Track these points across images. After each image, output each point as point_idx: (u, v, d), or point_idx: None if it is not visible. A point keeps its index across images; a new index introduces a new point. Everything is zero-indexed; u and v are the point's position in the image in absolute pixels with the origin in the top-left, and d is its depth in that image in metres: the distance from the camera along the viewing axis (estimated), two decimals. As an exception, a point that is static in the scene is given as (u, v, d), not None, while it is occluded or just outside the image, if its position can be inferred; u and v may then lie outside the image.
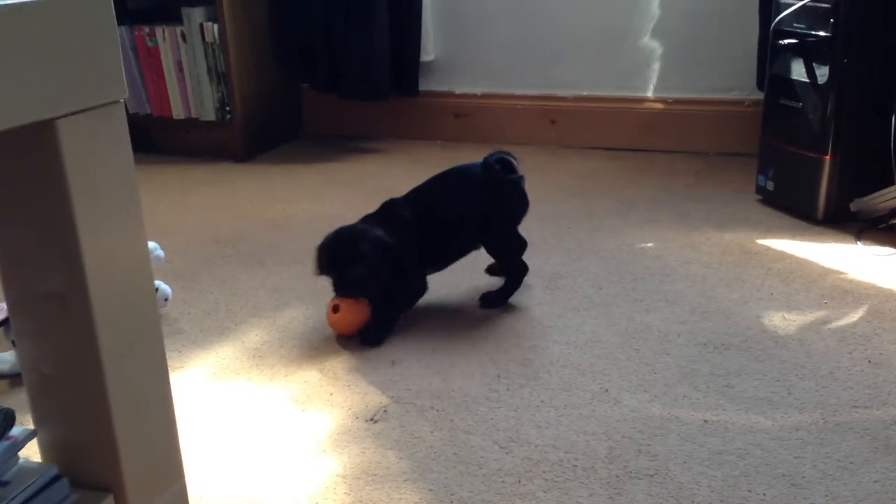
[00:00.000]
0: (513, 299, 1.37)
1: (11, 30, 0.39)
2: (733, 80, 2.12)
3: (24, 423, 0.67)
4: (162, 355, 0.50)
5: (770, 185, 1.75)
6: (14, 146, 0.44)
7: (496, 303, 1.36)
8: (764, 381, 1.11)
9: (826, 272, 1.43)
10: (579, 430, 1.01)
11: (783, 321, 1.27)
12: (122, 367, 0.47)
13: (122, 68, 0.46)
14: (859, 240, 1.56)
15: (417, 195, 1.39)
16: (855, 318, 1.26)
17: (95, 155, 0.44)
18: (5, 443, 0.64)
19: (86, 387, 0.46)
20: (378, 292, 1.27)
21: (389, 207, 1.35)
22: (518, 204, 1.38)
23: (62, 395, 0.48)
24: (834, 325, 1.25)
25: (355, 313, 1.26)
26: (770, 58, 1.72)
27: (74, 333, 0.45)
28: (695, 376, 1.12)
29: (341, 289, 1.25)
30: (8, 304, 0.53)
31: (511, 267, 1.39)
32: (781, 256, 1.51)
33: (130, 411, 0.48)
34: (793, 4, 1.61)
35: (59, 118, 0.41)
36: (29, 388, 0.50)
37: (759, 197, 1.79)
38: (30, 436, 0.58)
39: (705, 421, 1.02)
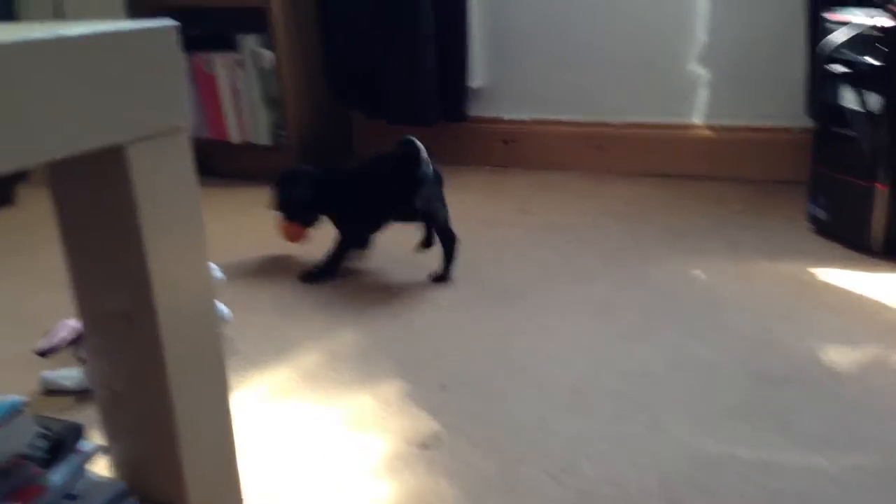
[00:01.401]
0: (561, 328, 1.38)
1: (86, 58, 0.42)
2: (782, 106, 2.11)
3: (91, 438, 0.69)
4: (223, 374, 0.52)
5: (822, 214, 1.73)
6: (85, 170, 0.46)
7: (445, 276, 1.58)
8: (822, 418, 1.09)
9: (882, 305, 1.41)
10: (631, 464, 1.01)
11: (840, 355, 1.25)
12: (186, 386, 0.49)
13: (187, 96, 0.48)
14: (916, 272, 1.54)
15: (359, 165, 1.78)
16: (913, 354, 1.24)
17: (162, 179, 0.46)
18: (75, 457, 0.66)
19: (152, 404, 0.48)
20: (299, 215, 1.70)
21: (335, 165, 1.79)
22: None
23: (131, 411, 0.50)
24: (893, 360, 1.23)
25: (291, 227, 1.71)
26: (820, 85, 1.70)
27: (142, 352, 0.47)
28: (749, 411, 1.11)
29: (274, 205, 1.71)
30: (82, 322, 0.55)
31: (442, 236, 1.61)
32: (836, 288, 1.49)
33: (194, 429, 0.49)
34: (842, 31, 1.60)
35: (128, 143, 0.44)
36: (100, 405, 0.53)
37: (810, 226, 1.77)
38: (98, 451, 0.60)
39: (761, 458, 1.01)
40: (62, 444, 0.61)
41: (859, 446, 1.02)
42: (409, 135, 1.59)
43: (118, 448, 0.57)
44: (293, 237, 1.73)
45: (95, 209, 0.47)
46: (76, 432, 0.65)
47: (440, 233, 1.61)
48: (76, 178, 0.48)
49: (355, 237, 1.68)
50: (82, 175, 0.47)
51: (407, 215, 1.61)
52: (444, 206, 1.60)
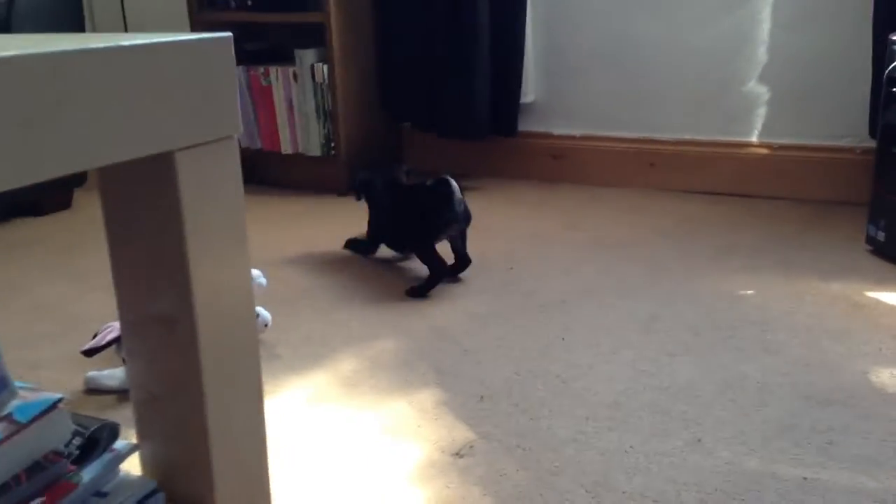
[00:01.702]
0: (604, 342, 1.36)
1: (142, 68, 0.43)
2: (844, 127, 2.05)
3: (128, 437, 0.70)
4: (258, 381, 0.52)
5: (881, 236, 1.67)
6: (135, 175, 0.48)
7: (420, 292, 1.60)
8: (869, 439, 1.05)
9: (941, 329, 1.35)
10: (669, 479, 0.99)
11: (891, 378, 1.20)
12: (221, 391, 0.49)
13: (238, 106, 0.49)
14: (980, 296, 1.47)
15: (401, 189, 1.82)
16: (973, 379, 1.19)
17: (209, 186, 0.47)
18: (108, 455, 0.67)
19: (187, 407, 0.49)
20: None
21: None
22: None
23: (165, 413, 0.51)
24: (949, 385, 1.18)
25: None
26: (883, 106, 1.66)
27: (180, 356, 0.48)
28: (795, 431, 1.08)
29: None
30: (121, 325, 0.57)
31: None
32: (892, 310, 1.43)
33: (226, 433, 0.50)
34: (909, 50, 1.56)
35: (178, 150, 0.45)
36: (135, 405, 0.53)
37: (869, 247, 1.72)
38: (132, 450, 0.61)
39: (805, 479, 0.98)
40: (97, 442, 0.63)
41: (910, 471, 0.98)
42: (447, 175, 1.65)
43: (151, 448, 0.58)
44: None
45: (142, 214, 0.48)
46: (112, 431, 0.67)
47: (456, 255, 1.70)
48: (125, 182, 0.49)
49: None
50: (131, 180, 0.48)
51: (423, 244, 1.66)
52: (463, 240, 1.69)
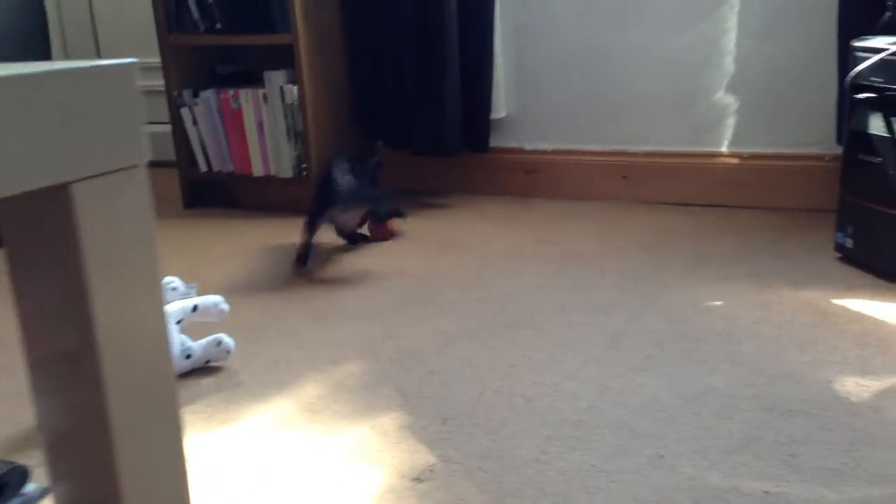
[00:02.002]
0: (571, 359, 1.35)
1: (35, 97, 0.42)
2: (812, 134, 2.06)
3: (41, 481, 0.68)
4: (175, 417, 0.51)
5: (849, 243, 1.68)
6: (30, 209, 0.46)
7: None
8: (832, 450, 1.05)
9: (907, 335, 1.35)
10: (630, 497, 0.97)
11: (857, 387, 1.20)
12: (131, 429, 0.48)
13: (145, 133, 0.48)
14: (946, 301, 1.47)
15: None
16: (937, 386, 1.19)
17: (112, 218, 0.46)
18: (17, 500, 0.66)
19: (96, 447, 0.47)
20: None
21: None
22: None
23: (75, 454, 0.50)
24: (913, 392, 1.17)
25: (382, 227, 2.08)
26: (847, 112, 1.66)
27: (85, 393, 0.47)
28: (758, 444, 1.07)
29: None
30: (27, 362, 0.55)
31: None
32: (858, 318, 1.43)
33: (140, 472, 0.49)
34: (870, 58, 1.57)
35: (74, 182, 0.44)
36: (46, 446, 0.52)
37: (838, 255, 1.72)
38: (42, 493, 0.60)
39: (766, 492, 0.97)
40: (5, 486, 0.61)
41: (869, 479, 0.97)
42: (336, 156, 1.90)
43: (62, 490, 0.56)
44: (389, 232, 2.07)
45: (41, 247, 0.47)
46: (21, 475, 0.65)
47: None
48: (23, 215, 0.48)
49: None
50: (29, 212, 0.47)
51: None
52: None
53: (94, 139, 0.44)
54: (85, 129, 0.44)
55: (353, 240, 2.05)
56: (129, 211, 0.47)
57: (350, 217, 1.95)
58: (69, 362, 0.47)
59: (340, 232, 2.04)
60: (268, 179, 2.38)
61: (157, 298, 0.49)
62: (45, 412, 0.51)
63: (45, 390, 0.50)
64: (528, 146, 2.39)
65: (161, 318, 0.50)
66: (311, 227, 1.86)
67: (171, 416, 0.51)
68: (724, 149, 2.18)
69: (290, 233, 2.18)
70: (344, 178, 1.82)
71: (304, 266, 1.86)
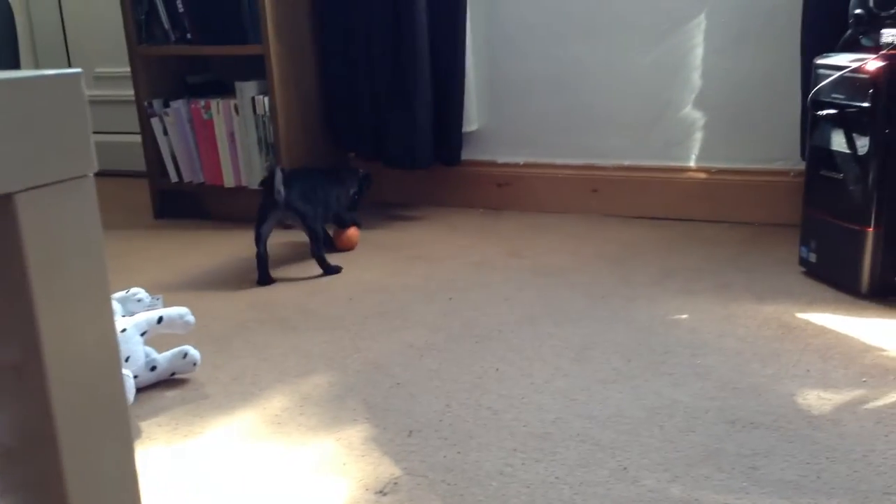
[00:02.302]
0: (538, 372, 1.36)
1: None
2: (778, 150, 2.09)
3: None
4: (126, 432, 0.51)
5: (813, 258, 1.70)
6: None
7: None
8: (793, 463, 1.06)
9: (867, 349, 1.37)
10: (593, 510, 0.98)
11: (818, 400, 1.21)
12: (79, 443, 0.47)
13: (91, 143, 0.48)
14: (906, 315, 1.50)
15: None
16: (895, 399, 1.20)
17: (58, 229, 0.45)
18: None
19: (43, 460, 0.47)
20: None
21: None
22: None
23: (22, 467, 0.49)
24: (872, 405, 1.19)
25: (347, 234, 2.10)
26: (810, 129, 1.69)
27: (31, 407, 0.46)
28: (720, 456, 1.08)
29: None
30: None
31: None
32: (821, 331, 1.45)
33: (88, 487, 0.48)
34: (831, 75, 1.60)
35: (17, 192, 0.43)
36: (-7, 459, 0.52)
37: (802, 269, 1.75)
38: None
39: (726, 504, 0.98)
40: None
41: (828, 492, 0.99)
42: (278, 167, 1.91)
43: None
44: (353, 240, 2.09)
45: None
46: None
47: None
48: None
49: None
50: None
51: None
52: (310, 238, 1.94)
53: (39, 149, 0.44)
54: (29, 138, 0.43)
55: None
56: (76, 222, 0.46)
57: (295, 225, 1.96)
58: (14, 376, 0.46)
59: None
60: (239, 190, 2.37)
61: (105, 311, 0.49)
62: (-8, 425, 0.50)
63: (-7, 403, 0.49)
64: (500, 159, 2.40)
65: (110, 331, 0.49)
66: (256, 239, 1.87)
67: (121, 429, 0.51)
68: (692, 163, 2.20)
69: (260, 244, 2.17)
70: (281, 187, 1.84)
71: (266, 280, 1.86)
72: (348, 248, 2.08)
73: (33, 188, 0.43)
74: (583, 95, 2.28)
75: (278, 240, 2.06)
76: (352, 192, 2.12)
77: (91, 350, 0.48)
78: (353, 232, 2.09)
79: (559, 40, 2.27)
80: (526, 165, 2.37)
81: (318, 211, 1.93)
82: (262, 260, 1.87)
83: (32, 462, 0.48)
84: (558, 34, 2.26)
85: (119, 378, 0.50)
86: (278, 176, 1.84)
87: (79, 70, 0.48)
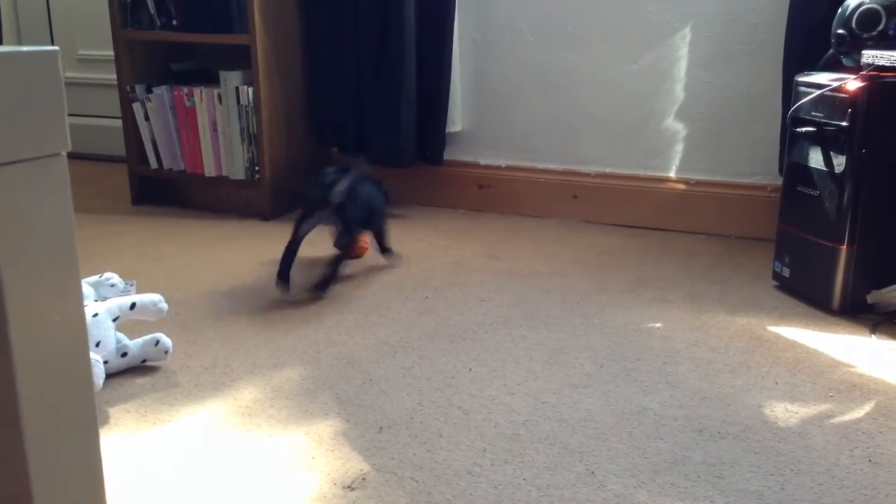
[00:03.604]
0: (511, 373, 1.36)
1: None
2: (756, 165, 2.12)
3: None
4: (92, 418, 0.50)
5: (786, 272, 1.72)
6: None
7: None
8: (758, 473, 1.07)
9: (836, 364, 1.39)
10: (559, 512, 0.98)
11: (785, 412, 1.23)
12: (44, 423, 0.47)
13: (66, 121, 0.47)
14: (874, 333, 1.52)
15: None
16: (860, 414, 1.22)
17: (30, 205, 0.45)
18: None
19: (6, 440, 0.46)
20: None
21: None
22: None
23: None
24: (837, 419, 1.21)
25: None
26: (788, 145, 1.71)
27: (-2, 385, 0.46)
28: (686, 464, 1.09)
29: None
30: None
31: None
32: (791, 345, 1.47)
33: (51, 470, 0.48)
34: (811, 93, 1.62)
35: (-11, 168, 0.43)
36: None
37: (775, 283, 1.77)
38: None
39: (691, 511, 0.99)
40: None
41: (791, 503, 1.00)
42: (358, 168, 1.83)
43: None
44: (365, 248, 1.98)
45: None
46: None
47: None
48: None
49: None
50: None
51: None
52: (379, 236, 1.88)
53: (12, 125, 0.44)
54: (3, 114, 0.43)
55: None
56: (47, 200, 0.46)
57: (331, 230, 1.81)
58: (-19, 352, 0.46)
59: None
60: (219, 180, 2.35)
61: (74, 291, 0.49)
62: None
63: (-42, 380, 0.49)
64: (483, 161, 2.40)
65: (79, 310, 0.49)
66: (294, 232, 1.73)
67: (87, 413, 0.51)
68: (671, 174, 2.22)
69: (239, 235, 2.16)
70: (344, 189, 1.72)
71: (285, 278, 1.71)
72: (360, 256, 1.96)
73: (4, 164, 0.43)
74: (567, 101, 2.29)
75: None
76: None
77: (58, 328, 0.47)
78: (366, 240, 1.97)
79: (546, 46, 2.27)
80: (508, 168, 2.38)
81: (359, 217, 1.81)
82: (291, 255, 1.73)
83: (-4, 443, 0.48)
84: (545, 40, 2.27)
85: (86, 357, 0.50)
86: (344, 181, 1.72)
87: (55, 48, 0.48)
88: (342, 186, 1.72)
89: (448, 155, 2.38)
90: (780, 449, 1.13)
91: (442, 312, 1.63)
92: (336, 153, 2.50)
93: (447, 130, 2.35)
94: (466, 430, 1.17)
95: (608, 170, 2.28)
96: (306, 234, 1.74)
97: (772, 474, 1.07)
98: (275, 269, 1.70)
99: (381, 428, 1.18)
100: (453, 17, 2.25)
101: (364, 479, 1.05)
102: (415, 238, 2.13)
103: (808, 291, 1.68)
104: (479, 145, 2.40)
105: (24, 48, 0.45)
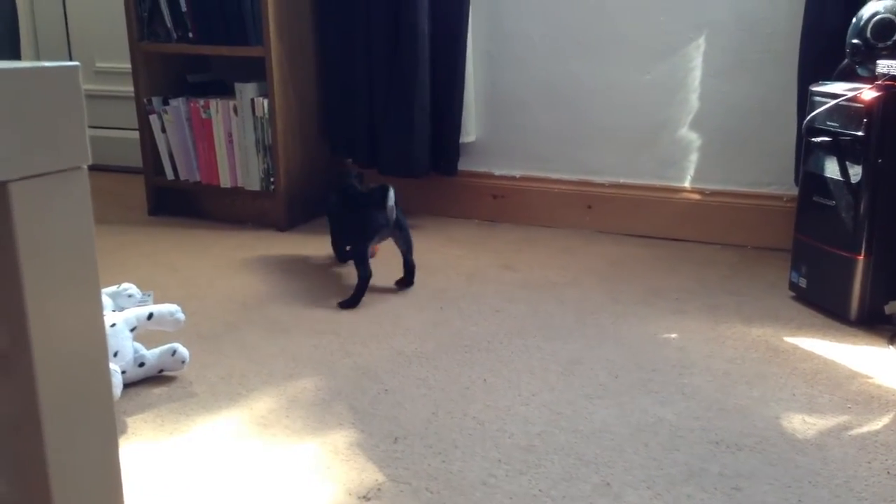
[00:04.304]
0: (526, 384, 1.36)
1: None
2: (772, 175, 2.11)
3: None
4: (111, 427, 0.51)
5: (803, 283, 1.71)
6: None
7: (350, 303, 1.72)
8: (775, 486, 1.06)
9: (854, 375, 1.38)
10: (575, 524, 0.98)
11: (802, 424, 1.22)
12: (63, 433, 0.48)
13: (86, 135, 0.48)
14: (892, 343, 1.51)
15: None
16: (879, 426, 1.21)
17: (50, 219, 0.46)
18: None
19: (26, 448, 0.47)
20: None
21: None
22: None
23: (5, 453, 0.49)
24: (855, 431, 1.20)
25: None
26: (804, 155, 1.71)
27: (17, 394, 0.46)
28: (703, 476, 1.09)
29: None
30: None
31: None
32: (809, 356, 1.46)
33: (70, 476, 0.48)
34: (826, 103, 1.61)
35: (11, 181, 0.44)
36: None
37: (791, 294, 1.76)
38: None
39: (708, 523, 0.98)
40: None
41: (809, 518, 0.99)
42: (387, 185, 1.78)
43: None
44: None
45: None
46: None
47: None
48: None
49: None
50: None
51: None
52: (408, 250, 1.84)
53: (35, 139, 0.44)
54: (26, 128, 0.44)
55: (344, 258, 1.99)
56: (68, 212, 0.47)
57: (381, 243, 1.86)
58: (1, 362, 0.46)
59: (344, 256, 1.99)
60: (235, 191, 2.37)
61: (94, 302, 0.49)
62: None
63: (-21, 389, 0.49)
64: (497, 171, 2.41)
65: (98, 321, 0.49)
66: (364, 261, 1.75)
67: (106, 420, 0.51)
68: (686, 184, 2.22)
69: (254, 245, 2.17)
70: (394, 204, 1.76)
71: (355, 305, 1.72)
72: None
73: (27, 178, 0.44)
74: (581, 112, 2.29)
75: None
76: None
77: (78, 339, 0.48)
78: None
79: (560, 56, 2.28)
80: (522, 178, 2.38)
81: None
82: (366, 283, 1.75)
83: (15, 448, 0.48)
84: (559, 50, 2.28)
85: (105, 367, 0.50)
86: (391, 195, 1.74)
87: (76, 63, 0.49)
88: (391, 202, 1.74)
89: (462, 165, 2.39)
90: (797, 461, 1.12)
91: (457, 323, 1.63)
92: (350, 164, 2.51)
93: (461, 141, 2.35)
94: (481, 441, 1.17)
95: (622, 180, 2.27)
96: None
97: (789, 486, 1.06)
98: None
99: (396, 438, 1.18)
100: (467, 28, 2.26)
101: (379, 489, 1.05)
102: (430, 249, 2.14)
103: (825, 302, 1.67)
104: (493, 156, 2.41)
105: (46, 63, 0.46)
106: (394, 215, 1.76)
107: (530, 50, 2.31)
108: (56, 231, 0.46)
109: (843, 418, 1.24)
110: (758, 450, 1.15)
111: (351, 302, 1.71)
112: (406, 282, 1.85)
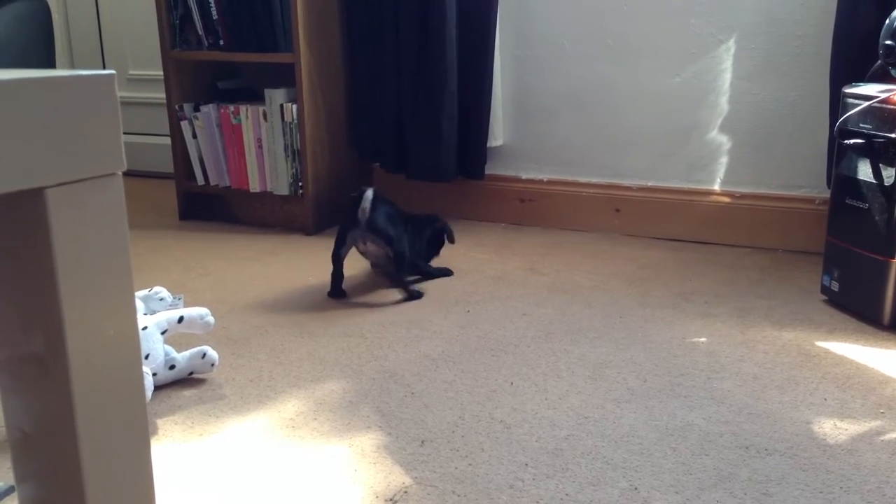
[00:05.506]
0: (553, 387, 1.36)
1: (10, 104, 0.43)
2: (804, 177, 2.08)
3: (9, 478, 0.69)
4: (143, 426, 0.52)
5: (835, 286, 1.69)
6: (4, 212, 0.47)
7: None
8: (805, 491, 1.05)
9: (887, 380, 1.36)
10: (602, 528, 0.98)
11: (834, 429, 1.20)
12: (98, 434, 0.49)
13: (121, 142, 0.49)
14: (927, 348, 1.48)
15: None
16: (913, 432, 1.19)
17: (87, 224, 0.47)
18: None
19: (61, 449, 0.48)
20: None
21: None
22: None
23: (40, 454, 0.50)
24: (888, 437, 1.18)
25: None
26: (836, 157, 1.69)
27: (53, 397, 0.47)
28: (732, 481, 1.08)
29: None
30: None
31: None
32: (841, 361, 1.44)
33: (104, 478, 0.49)
34: (859, 105, 1.59)
35: (48, 187, 0.45)
36: (11, 445, 0.53)
37: (823, 297, 1.73)
38: (7, 491, 0.60)
39: (737, 529, 0.97)
40: None
41: (840, 524, 0.98)
42: (369, 187, 1.79)
43: (26, 489, 0.57)
44: None
45: (14, 251, 0.48)
46: None
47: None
48: None
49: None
50: (2, 215, 0.48)
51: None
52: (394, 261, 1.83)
53: (71, 146, 0.45)
54: (62, 136, 0.45)
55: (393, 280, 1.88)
56: (104, 218, 0.48)
57: (371, 250, 1.82)
58: (37, 365, 0.48)
59: (374, 266, 1.96)
60: (264, 196, 2.39)
61: (128, 307, 0.50)
62: (11, 412, 0.51)
63: (13, 391, 0.51)
64: (524, 175, 2.41)
65: (133, 326, 0.50)
66: (334, 257, 1.80)
67: (139, 422, 0.52)
68: (716, 187, 2.20)
69: (283, 249, 2.19)
70: (368, 205, 1.73)
71: (338, 293, 1.82)
72: None
73: (64, 184, 0.45)
74: (608, 115, 2.28)
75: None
76: (426, 241, 1.97)
77: (113, 344, 0.49)
78: None
79: (587, 60, 2.27)
80: (549, 182, 2.38)
81: (403, 235, 1.81)
82: (338, 277, 1.81)
83: (51, 451, 0.49)
84: (587, 54, 2.27)
85: (139, 370, 0.51)
86: (367, 195, 1.73)
87: (112, 72, 0.50)
88: (366, 203, 1.73)
89: (489, 169, 2.39)
90: (828, 466, 1.11)
91: (483, 326, 1.63)
92: (378, 168, 2.52)
93: (488, 145, 2.36)
94: (508, 445, 1.17)
95: (651, 183, 2.26)
96: (344, 257, 1.82)
97: (820, 492, 1.05)
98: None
99: (422, 441, 1.19)
100: (495, 32, 2.27)
101: (406, 492, 1.06)
102: (457, 252, 2.14)
103: (858, 306, 1.64)
104: (521, 159, 2.41)
105: (83, 72, 0.47)
106: (365, 216, 1.73)
107: (558, 53, 2.31)
108: (92, 236, 0.47)
109: (875, 423, 1.22)
110: (788, 455, 1.14)
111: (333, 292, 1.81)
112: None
